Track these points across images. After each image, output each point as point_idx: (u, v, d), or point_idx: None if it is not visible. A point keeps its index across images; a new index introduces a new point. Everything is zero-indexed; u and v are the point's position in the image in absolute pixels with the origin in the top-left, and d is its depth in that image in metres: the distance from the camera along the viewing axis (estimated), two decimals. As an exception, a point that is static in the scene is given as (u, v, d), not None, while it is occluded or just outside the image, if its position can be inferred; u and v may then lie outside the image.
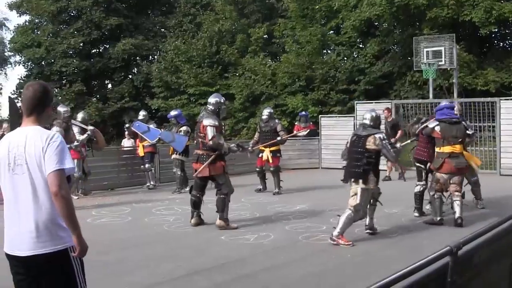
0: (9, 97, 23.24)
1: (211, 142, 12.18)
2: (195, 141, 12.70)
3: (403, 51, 34.49)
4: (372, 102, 26.32)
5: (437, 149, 12.63)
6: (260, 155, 17.92)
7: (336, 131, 25.47)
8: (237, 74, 38.97)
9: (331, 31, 38.79)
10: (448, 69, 26.56)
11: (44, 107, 5.02)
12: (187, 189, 18.24)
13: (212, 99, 12.84)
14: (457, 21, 31.24)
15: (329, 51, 38.25)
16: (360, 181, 10.86)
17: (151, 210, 14.90)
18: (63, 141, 4.88)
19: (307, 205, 14.74)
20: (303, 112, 27.26)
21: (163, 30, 46.58)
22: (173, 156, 18.59)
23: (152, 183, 19.42)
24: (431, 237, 10.72)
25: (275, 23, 40.82)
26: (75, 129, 16.52)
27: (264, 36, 41.32)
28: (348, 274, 8.58)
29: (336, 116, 28.30)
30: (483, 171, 22.80)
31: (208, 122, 12.34)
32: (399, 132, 21.15)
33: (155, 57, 46.11)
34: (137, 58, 44.95)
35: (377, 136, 10.95)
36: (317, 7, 37.54)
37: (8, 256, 4.89)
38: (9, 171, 4.82)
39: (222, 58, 39.59)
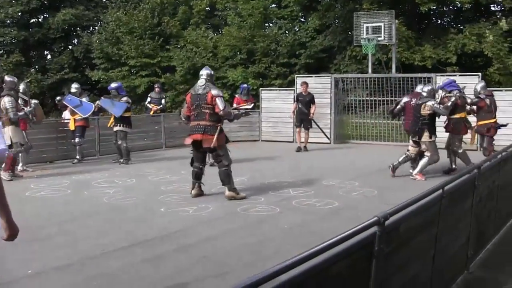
0: None
1: (222, 113, 12.46)
2: (194, 113, 12.54)
3: (344, 26, 34.63)
4: (312, 76, 26.53)
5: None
6: None
7: (276, 104, 25.71)
8: (178, 46, 38.76)
9: (273, 5, 38.82)
10: (387, 44, 26.86)
11: None
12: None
13: (204, 71, 12.93)
14: (398, -2, 31.64)
15: (271, 25, 38.32)
16: (417, 136, 14.66)
17: (90, 183, 14.89)
18: None
19: (246, 177, 14.94)
20: (244, 85, 27.36)
21: (104, 0, 46.07)
22: (116, 128, 18.59)
23: (78, 157, 19.18)
24: (368, 209, 10.82)
25: (218, -5, 40.70)
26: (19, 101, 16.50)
27: (207, 8, 41.18)
28: (286, 244, 8.77)
29: (276, 89, 28.51)
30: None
31: (217, 93, 12.55)
32: (313, 107, 22.03)
33: (96, 28, 45.35)
34: (78, 28, 44.26)
35: (428, 103, 14.44)
36: (260, -20, 37.60)
37: None
38: None
39: (163, 30, 39.31)
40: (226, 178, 12.53)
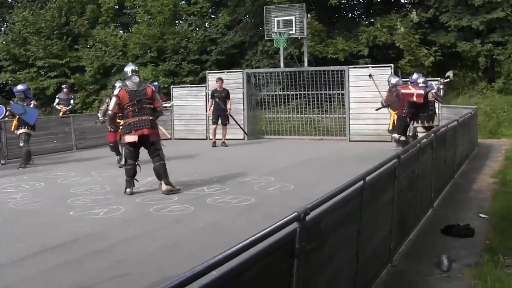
0: None
1: (161, 108, 13.22)
2: (133, 109, 12.51)
3: (254, 21, 34.57)
4: (224, 72, 26.33)
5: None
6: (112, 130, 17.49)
7: (188, 101, 25.46)
8: (87, 46, 38.01)
9: (183, 1, 38.47)
10: (299, 38, 26.74)
11: None
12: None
13: (130, 68, 13.03)
14: (308, -9, 31.54)
15: (181, 22, 37.92)
16: (431, 121, 16.56)
17: (-4, 188, 14.22)
18: None
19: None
20: (155, 83, 26.99)
21: (10, 0, 44.82)
22: (21, 130, 17.88)
23: (3, 161, 18.60)
24: (283, 204, 10.73)
25: (127, -7, 40.02)
26: None
27: (115, 6, 40.42)
28: (200, 244, 8.44)
29: (187, 87, 28.05)
30: (334, 137, 23.40)
31: (154, 88, 13.37)
32: (229, 102, 22.28)
33: (2, 28, 44.22)
34: (-17, 29, 43.15)
35: (432, 91, 16.96)
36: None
37: None
38: None
39: (72, 29, 38.46)
40: (164, 172, 12.58)
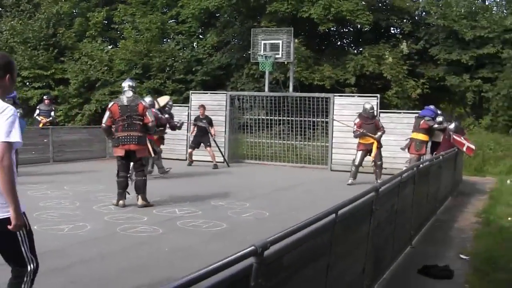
0: None
1: (151, 124, 13.23)
2: (123, 123, 12.98)
3: (242, 44, 34.44)
4: (207, 93, 26.09)
5: None
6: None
7: (170, 120, 25.04)
8: (73, 59, 37.54)
9: (172, 20, 38.25)
10: (286, 62, 26.43)
11: None
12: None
13: (127, 83, 13.46)
14: (296, 17, 31.39)
15: (168, 40, 37.65)
16: None
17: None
18: (15, 114, 5.03)
19: (131, 195, 13.83)
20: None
21: (-1, 9, 44.37)
22: None
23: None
24: (257, 231, 10.42)
25: (115, 8, 39.69)
26: None
27: (104, 21, 40.12)
28: (165, 269, 8.08)
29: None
30: (316, 165, 23.04)
31: (147, 104, 13.60)
32: (212, 129, 22.40)
33: (-11, 37, 43.69)
34: (-32, 37, 42.56)
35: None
36: (158, -6, 37.07)
37: None
38: None
39: (59, 41, 38.02)
40: (143, 187, 13.05)
